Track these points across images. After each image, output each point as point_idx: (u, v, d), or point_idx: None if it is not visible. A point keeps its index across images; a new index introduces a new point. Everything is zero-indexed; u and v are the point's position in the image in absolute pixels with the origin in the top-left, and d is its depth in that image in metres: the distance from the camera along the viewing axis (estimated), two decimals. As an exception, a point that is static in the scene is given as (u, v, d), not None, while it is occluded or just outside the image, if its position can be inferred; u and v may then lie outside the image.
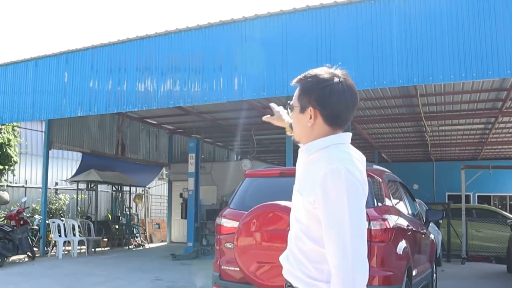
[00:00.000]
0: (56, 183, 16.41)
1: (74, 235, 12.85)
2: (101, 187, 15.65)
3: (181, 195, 16.54)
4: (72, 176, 14.89)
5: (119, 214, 15.87)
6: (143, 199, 18.18)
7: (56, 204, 14.56)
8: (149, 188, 19.19)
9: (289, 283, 1.86)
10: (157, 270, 10.81)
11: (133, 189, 17.29)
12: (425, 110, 15.18)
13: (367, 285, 1.63)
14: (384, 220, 4.85)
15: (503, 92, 13.40)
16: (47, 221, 12.76)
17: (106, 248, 14.73)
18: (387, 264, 4.80)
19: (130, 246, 15.56)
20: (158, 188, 20.58)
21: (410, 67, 8.26)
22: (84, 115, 12.05)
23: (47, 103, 11.26)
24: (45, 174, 12.89)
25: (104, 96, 10.51)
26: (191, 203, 13.70)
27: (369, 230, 4.74)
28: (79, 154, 16.22)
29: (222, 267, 5.29)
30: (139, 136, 16.74)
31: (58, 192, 15.39)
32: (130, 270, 10.69)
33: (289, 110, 1.89)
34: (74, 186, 15.72)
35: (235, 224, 5.25)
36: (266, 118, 2.35)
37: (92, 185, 14.86)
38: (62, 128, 13.70)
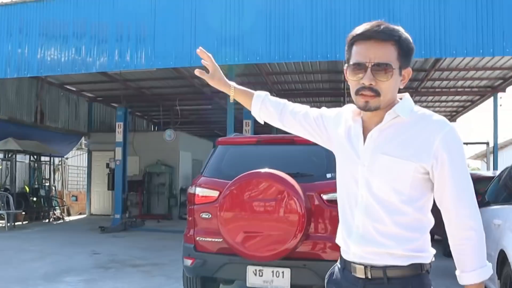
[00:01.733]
0: (-32, 152, 15.08)
1: (-8, 208, 11.96)
2: (18, 157, 14.57)
3: (107, 165, 15.90)
4: (-13, 145, 13.72)
5: (38, 186, 14.93)
6: (61, 170, 17.26)
7: (-31, 175, 13.39)
8: (66, 158, 18.23)
9: (380, 268, 1.68)
10: (90, 243, 10.42)
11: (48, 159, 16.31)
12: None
13: None
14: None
15: (421, 73, 14.26)
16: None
17: (24, 222, 13.86)
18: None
19: (49, 220, 14.77)
20: (75, 158, 19.61)
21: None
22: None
23: None
24: (-43, 143, 11.77)
25: (4, 58, 9.55)
26: (119, 173, 13.27)
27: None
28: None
29: (197, 238, 5.19)
30: (58, 103, 15.77)
31: (-30, 162, 14.14)
32: (62, 244, 10.21)
33: (379, 72, 1.60)
34: (-12, 156, 14.53)
35: (211, 193, 5.15)
36: (199, 72, 2.04)
37: (9, 155, 13.81)
38: (-24, 92, 12.55)
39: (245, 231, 4.68)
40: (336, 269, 1.84)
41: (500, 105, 16.49)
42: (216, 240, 5.07)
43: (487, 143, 19.37)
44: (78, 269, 7.62)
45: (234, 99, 2.08)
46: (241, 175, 4.75)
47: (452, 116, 21.62)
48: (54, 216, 15.06)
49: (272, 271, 4.84)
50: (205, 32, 8.74)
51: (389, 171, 1.65)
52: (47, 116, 15.00)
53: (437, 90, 16.60)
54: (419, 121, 1.65)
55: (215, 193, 5.12)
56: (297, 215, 4.54)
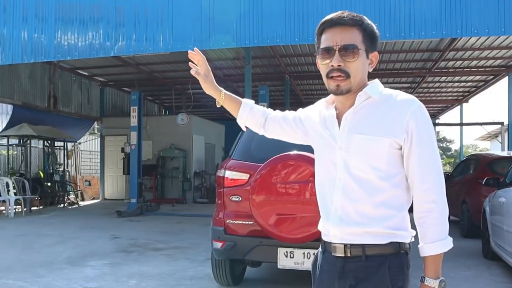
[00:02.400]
0: (-18, 139, 15.14)
1: (8, 194, 11.97)
2: (32, 143, 14.58)
3: (122, 149, 15.90)
4: (2, 131, 13.73)
5: (52, 171, 14.96)
6: (74, 155, 17.29)
7: (-16, 162, 13.41)
8: (79, 143, 18.24)
9: (359, 245, 1.70)
10: (108, 228, 10.44)
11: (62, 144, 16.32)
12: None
13: None
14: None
15: (436, 53, 14.09)
16: (-23, 180, 11.76)
17: (40, 207, 13.92)
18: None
19: (63, 205, 14.82)
20: (87, 143, 19.63)
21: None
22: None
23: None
24: (-26, 129, 11.77)
25: (20, 44, 9.47)
26: (134, 158, 13.24)
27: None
28: (3, 108, 14.98)
29: (227, 221, 5.15)
30: (71, 88, 15.71)
31: (-16, 148, 14.14)
32: (81, 228, 10.24)
33: (347, 53, 1.68)
34: (3, 141, 14.52)
35: (241, 176, 5.11)
36: (195, 72, 2.02)
37: (24, 140, 13.81)
38: (-10, 78, 12.52)
39: (277, 213, 4.64)
40: (318, 253, 1.89)
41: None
42: (247, 222, 5.04)
43: (502, 123, 19.15)
44: (100, 253, 7.64)
45: (221, 105, 2.10)
46: (273, 157, 4.69)
47: (465, 97, 21.44)
48: (69, 201, 15.10)
49: (303, 253, 4.82)
50: (223, 14, 8.61)
51: (365, 149, 1.69)
52: (60, 101, 14.96)
53: (450, 70, 16.42)
54: (389, 99, 1.71)
55: (245, 176, 5.08)
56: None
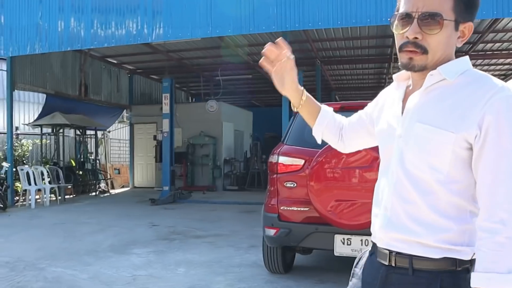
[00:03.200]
0: (17, 128, 15.15)
1: (44, 182, 12.01)
2: (64, 131, 14.62)
3: (154, 137, 15.86)
4: (35, 120, 13.76)
5: (84, 160, 14.99)
6: (103, 143, 17.33)
7: (19, 151, 13.41)
8: (108, 131, 18.27)
9: (406, 255, 1.40)
10: (144, 215, 10.39)
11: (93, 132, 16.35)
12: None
13: None
14: None
15: (474, 35, 13.63)
16: (13, 169, 11.79)
17: (72, 196, 13.97)
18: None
19: (95, 193, 14.86)
20: (116, 132, 19.66)
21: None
22: (44, 53, 11.01)
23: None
24: (9, 118, 11.77)
25: (56, 34, 9.52)
26: (167, 145, 13.14)
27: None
28: (35, 97, 15.02)
29: (281, 207, 4.99)
30: (101, 76, 15.69)
31: (19, 137, 14.16)
32: (118, 216, 10.21)
33: (428, 23, 1.35)
34: (36, 130, 14.57)
35: (296, 161, 4.93)
36: (265, 63, 1.63)
37: (58, 129, 13.84)
38: (24, 67, 12.49)
39: (337, 199, 4.47)
40: (366, 253, 1.63)
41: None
42: (302, 209, 4.88)
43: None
44: (142, 241, 7.55)
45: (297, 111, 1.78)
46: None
47: (503, 80, 20.88)
48: (100, 189, 15.13)
49: (361, 240, 4.64)
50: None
51: (425, 143, 1.36)
52: (90, 89, 14.95)
53: (487, 53, 15.94)
54: (470, 84, 1.35)
55: (300, 162, 4.91)
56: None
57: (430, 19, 1.34)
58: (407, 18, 1.37)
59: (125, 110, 18.04)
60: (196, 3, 8.84)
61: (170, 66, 16.40)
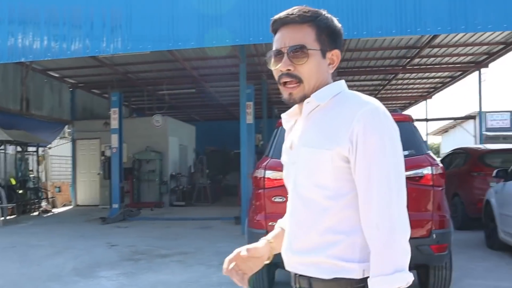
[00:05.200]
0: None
1: (-16, 203, 11.29)
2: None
3: (103, 153, 15.32)
4: (-27, 137, 12.90)
5: (25, 178, 14.21)
6: (44, 160, 16.53)
7: (-46, 170, 12.52)
8: (49, 148, 17.45)
9: (306, 279, 1.46)
10: (99, 235, 10.00)
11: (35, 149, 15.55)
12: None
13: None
14: (438, 164, 4.93)
15: (412, 50, 14.31)
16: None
17: (13, 216, 13.19)
18: (442, 208, 4.92)
19: (38, 213, 14.13)
20: (57, 148, 18.82)
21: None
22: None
23: None
24: None
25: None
26: (116, 161, 12.76)
27: (432, 175, 4.80)
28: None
29: (270, 223, 4.96)
30: (43, 90, 14.97)
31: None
32: (71, 237, 9.76)
33: (295, 56, 1.45)
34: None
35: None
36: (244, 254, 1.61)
37: (-1, 146, 13.07)
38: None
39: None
40: None
41: (484, 80, 16.90)
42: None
43: (474, 117, 19.60)
44: (106, 263, 7.27)
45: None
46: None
47: (429, 93, 21.97)
48: (42, 209, 14.40)
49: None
50: (219, 10, 8.42)
51: (309, 164, 1.44)
52: (32, 103, 14.23)
53: (422, 67, 16.76)
54: (340, 104, 1.45)
55: (286, 176, 4.91)
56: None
57: (297, 51, 1.44)
58: (279, 54, 1.48)
59: (66, 126, 17.32)
60: (157, 16, 8.72)
61: (114, 80, 15.95)
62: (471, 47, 14.17)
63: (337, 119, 1.41)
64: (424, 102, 23.53)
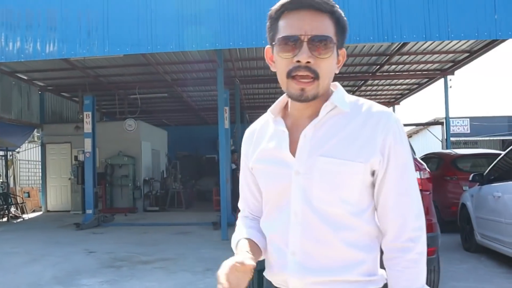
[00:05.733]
0: None
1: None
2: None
3: (76, 158, 15.00)
4: None
5: (-7, 183, 13.84)
6: (13, 165, 16.09)
7: None
8: (17, 152, 16.99)
9: None
10: (75, 242, 9.82)
11: (3, 153, 15.13)
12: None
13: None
14: (425, 169, 5.07)
15: (382, 57, 14.60)
16: None
17: (-19, 223, 12.83)
18: (430, 212, 5.05)
19: (7, 219, 13.76)
20: (26, 152, 18.34)
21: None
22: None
23: None
24: None
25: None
26: (89, 166, 12.53)
27: (420, 179, 4.93)
28: None
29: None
30: (11, 92, 14.56)
31: None
32: (46, 244, 9.54)
33: (319, 47, 1.29)
34: None
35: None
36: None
37: (-35, 151, 12.66)
38: None
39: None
40: None
41: (450, 87, 17.40)
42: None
43: (442, 123, 20.07)
44: (86, 270, 7.15)
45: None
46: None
47: (397, 99, 22.43)
48: (11, 215, 14.02)
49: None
50: (197, 14, 8.44)
51: (333, 177, 1.32)
52: (0, 106, 13.84)
53: (391, 74, 17.11)
54: (360, 112, 1.36)
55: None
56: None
57: (323, 42, 1.29)
58: (294, 41, 1.29)
59: (35, 129, 16.91)
60: (134, 19, 8.67)
61: (84, 83, 15.67)
62: (437, 55, 14.56)
63: (364, 129, 1.33)
64: (391, 108, 24.05)
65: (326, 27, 1.31)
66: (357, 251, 1.33)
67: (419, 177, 4.93)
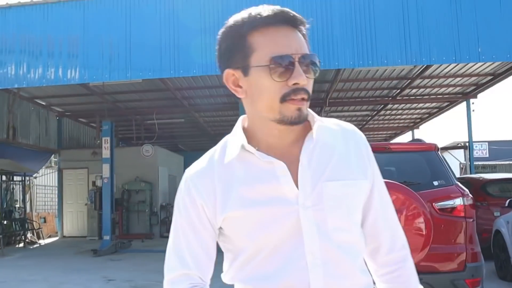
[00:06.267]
0: None
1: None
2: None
3: (94, 183, 14.89)
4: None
5: (11, 208, 13.68)
6: (30, 190, 16.01)
7: None
8: (34, 177, 16.93)
9: None
10: (93, 269, 9.59)
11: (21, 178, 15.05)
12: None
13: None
14: (468, 195, 4.81)
15: (404, 81, 14.38)
16: None
17: (-1, 249, 12.63)
18: (474, 241, 4.78)
19: (24, 245, 13.58)
20: (42, 177, 18.30)
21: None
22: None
23: None
24: None
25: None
26: (107, 191, 12.39)
27: (464, 206, 4.68)
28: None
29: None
30: (29, 118, 14.58)
31: None
32: (64, 271, 9.32)
33: (308, 67, 1.14)
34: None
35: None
36: None
37: (-16, 176, 12.58)
38: None
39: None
40: None
41: (473, 110, 17.07)
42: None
43: (466, 147, 19.64)
44: (108, 299, 6.90)
45: None
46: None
47: (416, 123, 22.10)
48: (27, 240, 13.85)
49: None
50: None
51: (346, 201, 1.20)
52: (18, 132, 13.83)
53: (411, 98, 16.87)
54: (333, 129, 1.26)
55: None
56: (426, 227, 4.25)
57: (311, 61, 1.15)
58: (288, 62, 1.12)
59: (53, 155, 16.88)
60: (157, 46, 8.70)
61: (102, 109, 15.65)
62: (460, 78, 14.30)
63: (348, 145, 1.23)
64: (410, 132, 23.72)
65: (306, 44, 1.18)
66: (367, 276, 1.25)
67: (461, 203, 4.67)
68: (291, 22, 1.14)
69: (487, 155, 30.57)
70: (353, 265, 1.20)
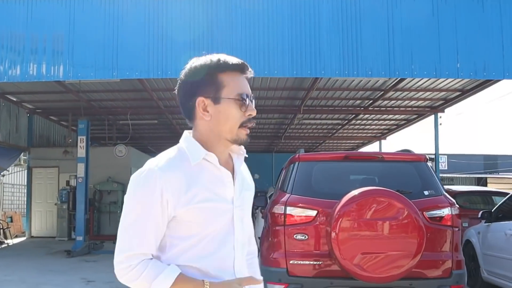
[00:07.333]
0: None
1: None
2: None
3: (67, 183, 14.60)
4: None
5: (-21, 207, 13.34)
6: (-2, 189, 15.60)
7: None
8: (2, 175, 16.47)
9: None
10: (69, 270, 9.47)
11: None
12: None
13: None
14: (455, 205, 5.04)
15: (376, 92, 14.75)
16: None
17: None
18: (459, 249, 5.01)
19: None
20: (10, 176, 17.81)
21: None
22: None
23: None
24: None
25: None
26: (81, 192, 12.22)
27: (451, 215, 4.90)
28: None
29: (290, 261, 4.87)
30: (0, 114, 14.21)
31: None
32: (40, 272, 9.16)
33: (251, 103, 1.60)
34: None
35: (308, 212, 4.89)
36: None
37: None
38: None
39: (363, 252, 4.48)
40: None
41: (440, 124, 17.63)
42: (315, 263, 4.82)
43: (432, 159, 20.21)
44: (90, 300, 6.86)
45: None
46: (356, 193, 4.56)
47: (384, 134, 22.60)
48: (-5, 241, 13.51)
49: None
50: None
51: (250, 204, 1.73)
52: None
53: (382, 109, 17.27)
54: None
55: (312, 213, 4.87)
56: (418, 234, 4.46)
57: (252, 100, 1.61)
58: (248, 99, 1.57)
59: (22, 153, 16.48)
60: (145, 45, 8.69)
61: (75, 107, 15.39)
62: (430, 92, 14.77)
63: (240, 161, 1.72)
64: (377, 142, 24.23)
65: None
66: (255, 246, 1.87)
67: (449, 213, 4.89)
68: (246, 71, 1.58)
69: (446, 168, 31.46)
70: (250, 244, 1.76)
